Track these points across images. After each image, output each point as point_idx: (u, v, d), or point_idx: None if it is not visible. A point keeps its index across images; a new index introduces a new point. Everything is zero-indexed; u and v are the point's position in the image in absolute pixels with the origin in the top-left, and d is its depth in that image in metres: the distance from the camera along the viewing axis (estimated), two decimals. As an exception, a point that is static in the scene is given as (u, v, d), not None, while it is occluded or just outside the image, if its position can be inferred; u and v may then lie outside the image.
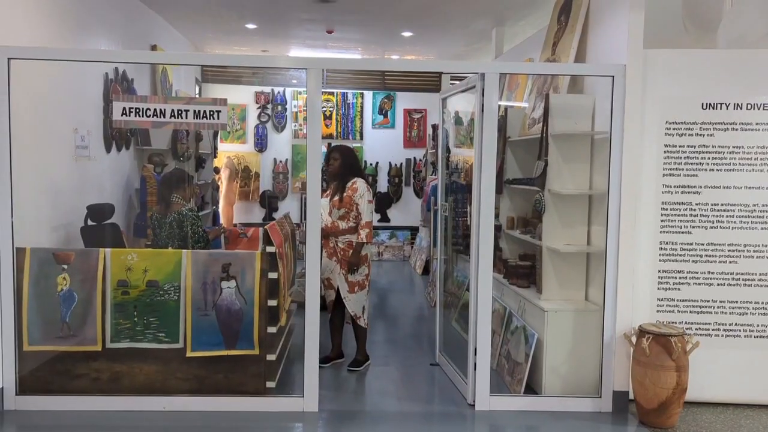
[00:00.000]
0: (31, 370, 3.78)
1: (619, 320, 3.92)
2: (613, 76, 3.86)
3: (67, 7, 4.59)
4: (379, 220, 10.03)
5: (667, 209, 4.05)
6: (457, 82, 5.62)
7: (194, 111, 3.72)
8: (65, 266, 3.74)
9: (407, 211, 10.23)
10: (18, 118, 3.72)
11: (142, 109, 3.68)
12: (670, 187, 4.05)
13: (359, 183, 4.59)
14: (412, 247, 9.95)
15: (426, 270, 8.54)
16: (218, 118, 3.72)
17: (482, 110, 3.89)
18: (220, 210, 9.01)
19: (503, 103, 5.79)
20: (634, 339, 3.85)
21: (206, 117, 3.71)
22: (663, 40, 4.25)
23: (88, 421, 3.65)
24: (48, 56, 3.86)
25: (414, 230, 10.00)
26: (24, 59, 3.72)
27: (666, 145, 4.04)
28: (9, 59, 3.61)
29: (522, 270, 4.71)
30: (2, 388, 3.71)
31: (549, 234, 4.29)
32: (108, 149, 5.45)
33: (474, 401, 3.96)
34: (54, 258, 3.74)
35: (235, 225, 8.84)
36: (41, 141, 4.23)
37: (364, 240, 4.57)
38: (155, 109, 3.69)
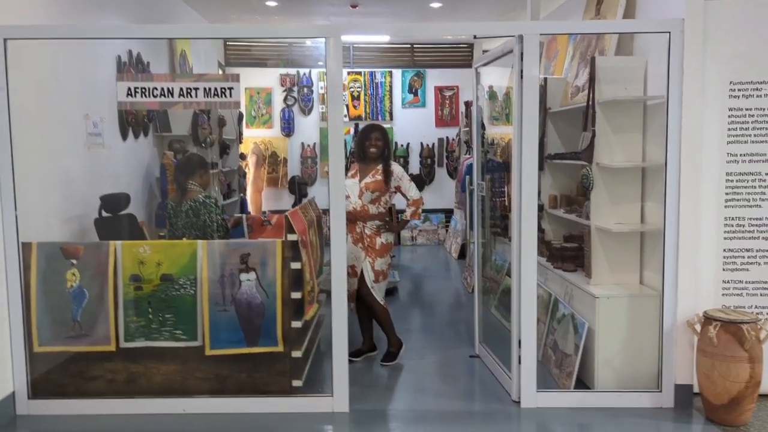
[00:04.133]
0: (44, 372, 3.56)
1: (681, 306, 3.51)
2: (669, 33, 3.42)
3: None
4: (411, 204, 9.66)
5: (732, 181, 3.61)
6: (486, 54, 5.17)
7: (204, 89, 3.41)
8: (74, 261, 3.49)
9: (441, 193, 9.84)
10: (21, 105, 3.47)
11: (149, 88, 3.39)
12: (736, 155, 3.60)
13: (395, 166, 4.39)
14: (446, 230, 9.59)
15: (462, 254, 8.17)
16: (230, 96, 3.41)
17: (521, 77, 3.49)
18: (248, 197, 8.77)
19: (541, 75, 5.36)
20: (698, 327, 3.44)
21: (217, 95, 3.40)
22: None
23: (104, 425, 3.42)
24: (48, 35, 3.58)
25: (448, 213, 9.62)
26: (23, 39, 3.46)
27: (730, 109, 3.59)
28: (5, 39, 3.35)
29: (568, 252, 4.32)
30: (14, 391, 3.50)
31: (598, 212, 3.88)
32: (124, 137, 5.20)
33: (519, 398, 3.61)
34: (62, 252, 3.50)
35: (264, 213, 8.60)
36: (48, 129, 3.98)
37: (409, 218, 4.42)
38: (163, 88, 3.39)
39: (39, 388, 3.55)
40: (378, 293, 4.32)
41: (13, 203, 3.41)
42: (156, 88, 3.39)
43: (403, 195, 4.37)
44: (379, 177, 4.25)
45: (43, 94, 3.93)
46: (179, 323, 3.51)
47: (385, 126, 9.59)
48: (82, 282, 3.49)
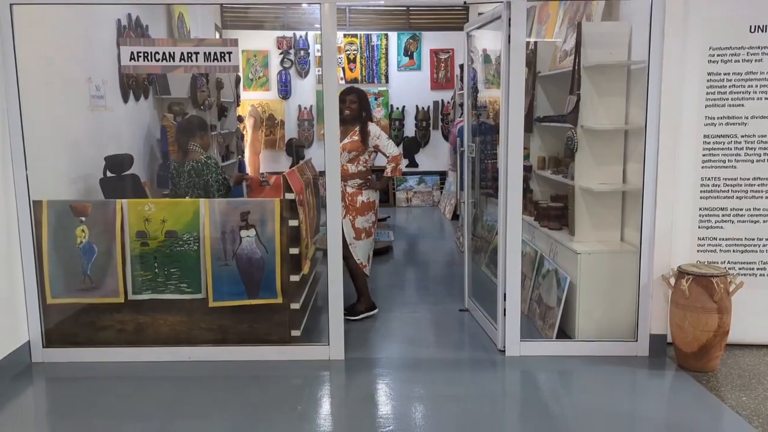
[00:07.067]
0: (57, 322, 3.78)
1: (657, 261, 3.72)
2: (651, -1, 3.56)
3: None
4: (407, 166, 9.85)
5: (709, 142, 3.79)
6: (475, 19, 5.24)
7: (204, 53, 3.55)
8: (83, 218, 3.68)
9: (435, 155, 10.00)
10: (27, 69, 3.61)
11: (151, 53, 3.53)
12: (713, 118, 3.78)
13: (372, 126, 4.49)
14: (441, 192, 9.77)
15: (456, 215, 8.37)
16: (229, 60, 3.55)
17: (509, 42, 3.63)
18: (246, 159, 8.92)
19: (533, 39, 5.47)
20: (672, 280, 3.66)
21: (217, 59, 3.54)
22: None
23: (114, 372, 3.65)
24: (52, 0, 3.70)
25: (443, 175, 9.80)
26: (27, 4, 3.58)
27: (709, 73, 3.75)
28: (11, 5, 3.47)
29: (554, 211, 4.51)
30: (29, 341, 3.73)
31: (582, 173, 4.07)
32: (125, 99, 5.34)
33: (504, 347, 3.85)
34: (71, 210, 3.69)
35: (262, 174, 8.75)
36: (54, 92, 4.13)
37: (389, 174, 4.50)
38: (164, 53, 3.53)
39: (52, 338, 3.78)
40: (359, 251, 4.45)
41: (24, 163, 3.58)
42: (158, 53, 3.52)
43: (382, 153, 4.48)
44: (356, 138, 4.38)
45: (48, 58, 4.06)
46: (184, 277, 3.72)
47: (381, 89, 9.76)
48: (91, 238, 3.69)
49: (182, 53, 3.53)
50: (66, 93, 4.34)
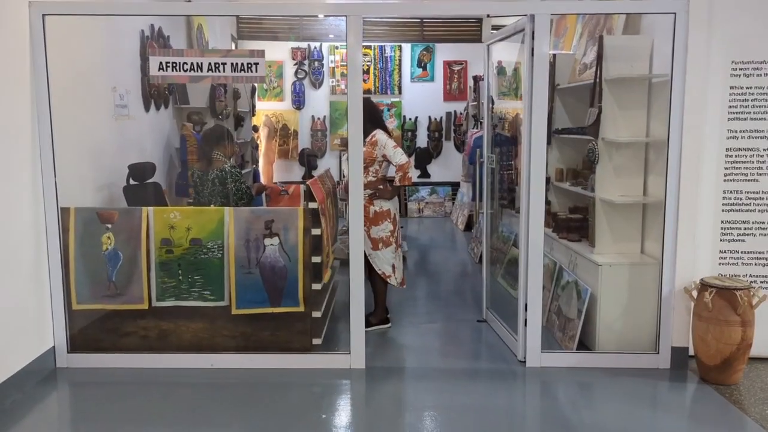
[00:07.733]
0: (81, 328, 3.81)
1: (679, 274, 3.73)
2: (675, 13, 3.58)
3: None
4: (419, 176, 9.88)
5: (731, 156, 3.80)
6: (497, 32, 5.30)
7: (231, 64, 3.59)
8: (109, 225, 3.72)
9: (448, 166, 10.03)
10: (55, 77, 3.66)
11: (179, 63, 3.57)
12: (736, 131, 3.79)
13: (379, 135, 4.33)
14: (453, 203, 9.79)
15: (468, 226, 8.39)
16: (256, 71, 3.59)
17: (532, 55, 3.66)
18: (260, 169, 8.97)
19: (550, 52, 5.50)
20: (695, 293, 3.66)
21: (243, 70, 3.59)
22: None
23: (137, 377, 3.67)
24: (82, 11, 3.76)
25: (455, 186, 9.82)
26: (59, 15, 3.64)
27: (732, 87, 3.77)
28: (44, 15, 3.54)
29: (573, 223, 4.53)
30: (54, 346, 3.76)
31: (603, 185, 4.08)
32: (147, 108, 5.40)
33: (525, 358, 3.86)
34: (98, 217, 3.73)
35: (275, 183, 8.80)
36: (80, 100, 4.18)
37: (398, 183, 4.36)
38: (192, 63, 3.58)
39: (77, 343, 3.81)
40: (379, 261, 4.38)
41: (53, 171, 3.63)
42: (186, 63, 3.57)
43: (390, 162, 4.38)
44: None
45: (73, 66, 4.12)
46: (207, 284, 3.75)
47: (394, 100, 9.81)
48: (117, 245, 3.73)
49: (210, 64, 3.58)
50: (92, 102, 4.39)
